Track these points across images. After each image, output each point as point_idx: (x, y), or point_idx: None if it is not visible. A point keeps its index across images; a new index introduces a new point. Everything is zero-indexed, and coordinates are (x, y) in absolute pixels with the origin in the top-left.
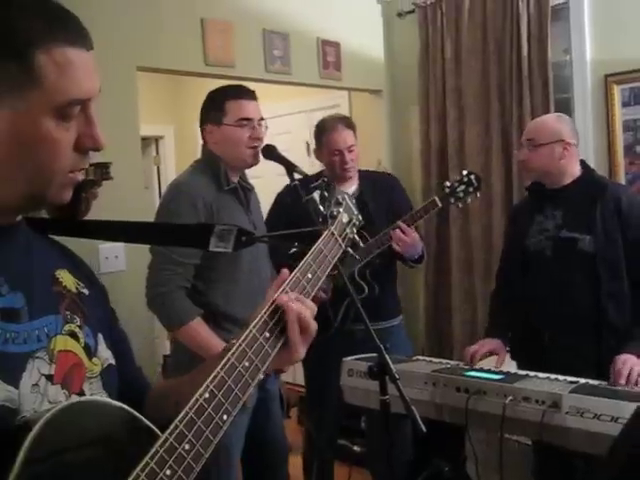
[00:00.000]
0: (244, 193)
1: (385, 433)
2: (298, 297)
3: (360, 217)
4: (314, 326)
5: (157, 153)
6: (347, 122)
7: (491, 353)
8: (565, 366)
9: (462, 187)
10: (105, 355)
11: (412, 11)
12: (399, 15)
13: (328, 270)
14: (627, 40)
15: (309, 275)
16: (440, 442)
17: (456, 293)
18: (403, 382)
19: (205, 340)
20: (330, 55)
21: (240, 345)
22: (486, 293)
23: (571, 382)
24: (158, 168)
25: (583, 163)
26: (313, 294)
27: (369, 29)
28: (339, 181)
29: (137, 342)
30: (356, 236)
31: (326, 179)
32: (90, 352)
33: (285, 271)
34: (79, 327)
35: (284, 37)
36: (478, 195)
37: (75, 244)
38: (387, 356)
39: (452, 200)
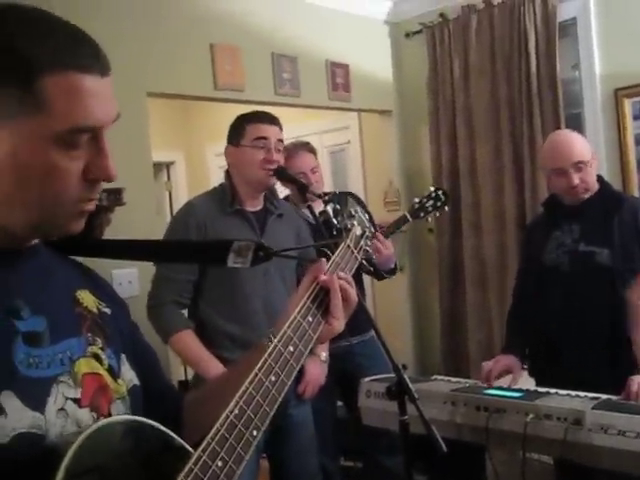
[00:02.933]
0: (263, 216)
1: (405, 453)
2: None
3: (372, 229)
4: (355, 297)
5: (169, 179)
6: (308, 147)
7: (507, 371)
8: (582, 381)
9: (430, 202)
10: (129, 376)
11: (419, 31)
12: (407, 36)
13: None
14: (636, 53)
15: (309, 318)
16: (460, 463)
17: (471, 312)
18: (421, 402)
19: (194, 353)
20: (339, 76)
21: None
22: (501, 311)
23: (593, 398)
24: (170, 193)
25: (599, 177)
26: (315, 338)
27: (377, 50)
28: (305, 203)
29: None
30: (369, 248)
31: (338, 192)
32: (114, 373)
33: (323, 260)
34: (101, 349)
35: (293, 60)
36: (446, 209)
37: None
38: (405, 376)
39: (421, 214)
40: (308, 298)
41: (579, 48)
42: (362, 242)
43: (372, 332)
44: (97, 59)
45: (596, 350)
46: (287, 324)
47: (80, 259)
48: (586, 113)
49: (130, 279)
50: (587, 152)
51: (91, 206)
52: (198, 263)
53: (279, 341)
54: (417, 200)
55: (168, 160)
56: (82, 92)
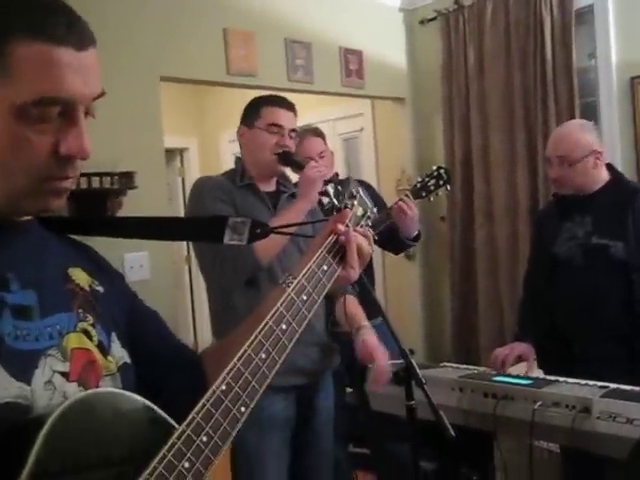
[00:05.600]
0: (276, 196)
1: (412, 439)
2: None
3: (375, 210)
4: (369, 252)
5: (182, 165)
6: (315, 132)
7: (520, 358)
8: (596, 375)
9: (432, 181)
10: (119, 354)
11: (434, 18)
12: (421, 23)
13: None
14: None
15: (324, 267)
16: (468, 450)
17: (482, 300)
18: (429, 388)
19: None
20: (352, 63)
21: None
22: (512, 300)
23: (601, 387)
24: (183, 180)
25: (611, 167)
26: (328, 286)
27: (391, 37)
28: None
29: None
30: (370, 229)
31: (338, 173)
32: (104, 350)
33: (346, 210)
34: (92, 325)
35: (306, 46)
36: (448, 188)
37: (101, 253)
38: (413, 361)
39: (423, 194)
40: (325, 247)
41: (595, 36)
42: (363, 222)
43: (380, 319)
44: (73, 31)
45: (610, 344)
46: (302, 273)
47: (94, 242)
48: (601, 102)
49: (141, 263)
50: (577, 150)
51: (68, 184)
52: (194, 240)
53: (293, 290)
54: (419, 179)
55: (181, 146)
56: (51, 64)
